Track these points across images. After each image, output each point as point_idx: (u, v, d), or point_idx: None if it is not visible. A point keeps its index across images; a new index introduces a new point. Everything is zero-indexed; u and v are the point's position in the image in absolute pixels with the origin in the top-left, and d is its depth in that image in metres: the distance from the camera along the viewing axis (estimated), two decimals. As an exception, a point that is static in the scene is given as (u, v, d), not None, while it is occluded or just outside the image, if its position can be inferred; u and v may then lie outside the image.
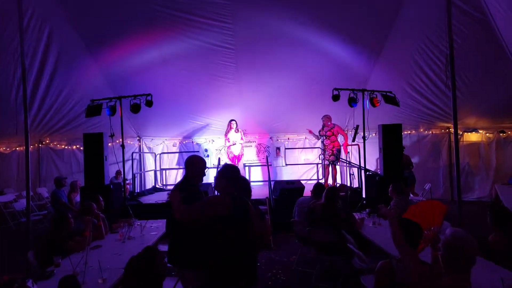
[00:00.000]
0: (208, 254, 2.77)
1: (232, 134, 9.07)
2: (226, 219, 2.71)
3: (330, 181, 8.84)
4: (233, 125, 9.07)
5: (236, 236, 2.72)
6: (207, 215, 2.74)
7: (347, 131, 10.84)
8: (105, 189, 6.68)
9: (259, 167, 11.20)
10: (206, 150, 11.35)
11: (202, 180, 3.33)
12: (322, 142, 8.65)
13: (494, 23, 6.21)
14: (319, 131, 8.73)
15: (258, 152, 11.50)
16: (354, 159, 9.86)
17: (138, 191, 9.78)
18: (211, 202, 2.89)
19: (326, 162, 8.66)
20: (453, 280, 2.27)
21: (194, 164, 3.30)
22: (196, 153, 11.00)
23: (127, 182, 8.58)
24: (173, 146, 11.51)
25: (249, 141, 11.44)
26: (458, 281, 2.26)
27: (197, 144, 11.47)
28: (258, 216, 3.06)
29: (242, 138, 9.18)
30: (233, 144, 9.07)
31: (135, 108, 7.25)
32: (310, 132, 9.01)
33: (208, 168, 11.17)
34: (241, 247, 2.74)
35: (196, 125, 10.86)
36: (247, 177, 9.92)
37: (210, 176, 10.88)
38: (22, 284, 2.40)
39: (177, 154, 11.41)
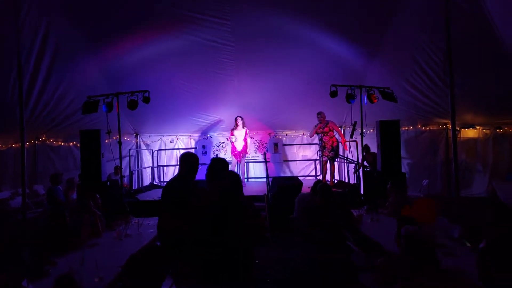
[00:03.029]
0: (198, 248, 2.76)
1: (237, 131, 9.03)
2: (212, 209, 2.73)
3: (328, 178, 8.82)
4: (239, 121, 9.00)
5: (222, 225, 2.70)
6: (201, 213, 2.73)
7: (344, 127, 10.82)
8: (102, 186, 6.64)
9: (257, 164, 11.16)
10: (203, 147, 11.29)
11: (195, 177, 3.34)
12: (321, 139, 8.59)
13: (491, 19, 6.17)
14: (315, 129, 8.69)
15: (256, 148, 11.47)
16: (352, 155, 9.84)
17: (136, 188, 9.73)
18: (200, 201, 2.88)
19: (325, 159, 8.63)
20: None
21: (186, 161, 3.32)
22: (193, 150, 10.98)
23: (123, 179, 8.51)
24: (171, 142, 11.45)
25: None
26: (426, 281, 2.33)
27: (193, 140, 11.41)
28: (249, 207, 3.06)
29: (246, 133, 9.08)
30: (235, 141, 9.03)
31: (132, 105, 7.18)
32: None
33: (206, 164, 11.12)
34: (230, 238, 2.71)
35: (194, 121, 10.79)
36: (245, 174, 9.90)
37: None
38: (17, 284, 2.35)
39: (174, 151, 11.35)
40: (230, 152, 9.42)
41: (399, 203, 5.03)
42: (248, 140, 9.20)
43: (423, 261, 2.44)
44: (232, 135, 9.08)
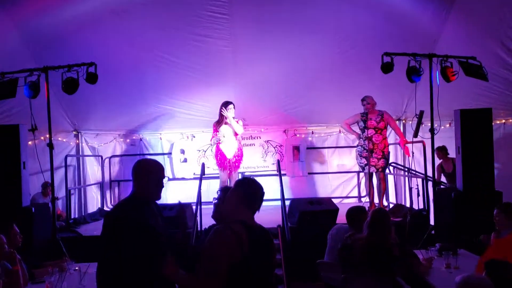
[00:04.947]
0: None
1: (226, 126, 8.67)
2: (240, 265, 2.80)
3: (376, 200, 8.79)
4: (228, 110, 8.53)
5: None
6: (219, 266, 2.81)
7: (404, 121, 10.77)
8: (23, 213, 6.68)
9: (267, 178, 11.08)
10: (182, 152, 11.26)
11: (159, 197, 3.35)
12: (368, 138, 8.46)
13: None
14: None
15: (265, 153, 11.42)
16: (416, 164, 9.79)
17: (76, 216, 9.77)
18: (217, 249, 2.94)
19: (372, 169, 8.56)
20: None
21: (142, 173, 3.28)
22: (168, 155, 11.00)
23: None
24: (132, 145, 11.46)
25: (251, 137, 11.36)
26: None
27: (167, 141, 11.40)
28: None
29: (236, 134, 8.75)
30: (222, 142, 8.73)
31: (71, 86, 7.19)
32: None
33: (185, 179, 11.13)
34: None
35: (168, 113, 10.79)
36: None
37: (189, 191, 10.85)
38: None
39: (136, 158, 11.38)
40: (214, 159, 9.15)
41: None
42: (241, 129, 8.75)
43: None
44: (217, 132, 8.71)
